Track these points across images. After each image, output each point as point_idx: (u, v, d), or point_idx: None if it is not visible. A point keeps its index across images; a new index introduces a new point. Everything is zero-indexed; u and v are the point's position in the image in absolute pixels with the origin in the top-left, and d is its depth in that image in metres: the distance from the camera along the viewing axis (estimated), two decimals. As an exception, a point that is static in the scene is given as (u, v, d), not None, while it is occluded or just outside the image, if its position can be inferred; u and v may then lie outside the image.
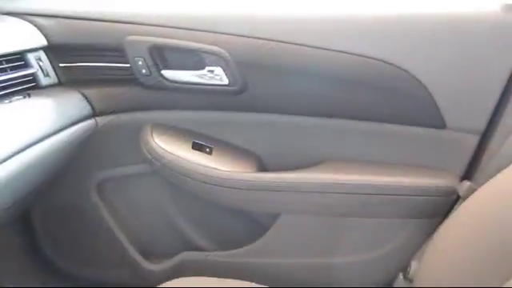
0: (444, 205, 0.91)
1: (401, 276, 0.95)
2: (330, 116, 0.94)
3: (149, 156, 0.97)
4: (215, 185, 0.96)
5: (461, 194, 0.85)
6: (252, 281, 0.84)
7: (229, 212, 1.05)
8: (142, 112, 0.98)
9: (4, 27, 0.86)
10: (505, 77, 0.86)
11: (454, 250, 0.76)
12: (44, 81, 0.91)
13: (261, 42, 0.88)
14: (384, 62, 0.86)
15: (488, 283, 0.62)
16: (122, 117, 0.98)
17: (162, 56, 0.92)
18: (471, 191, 0.78)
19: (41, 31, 0.90)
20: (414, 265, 0.89)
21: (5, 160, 0.71)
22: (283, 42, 0.88)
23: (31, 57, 0.87)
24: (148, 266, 1.08)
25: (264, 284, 0.83)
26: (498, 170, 0.73)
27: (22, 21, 0.89)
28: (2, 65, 0.81)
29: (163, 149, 0.96)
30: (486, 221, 0.72)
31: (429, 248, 0.83)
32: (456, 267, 0.73)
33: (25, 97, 0.84)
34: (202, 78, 0.92)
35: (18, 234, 1.16)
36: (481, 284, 0.63)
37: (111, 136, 1.00)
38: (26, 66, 0.87)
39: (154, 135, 0.97)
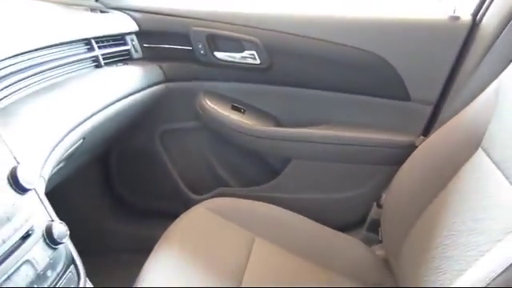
0: (406, 154, 1.24)
1: (375, 205, 1.31)
2: (328, 90, 1.32)
3: (201, 112, 1.36)
4: (245, 134, 1.35)
5: (417, 145, 1.20)
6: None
7: (253, 158, 1.43)
8: (198, 81, 1.38)
9: (111, 17, 1.25)
10: (450, 65, 1.22)
11: (410, 179, 1.12)
12: (135, 55, 1.30)
13: (283, 34, 1.27)
14: (367, 51, 1.24)
15: (423, 196, 0.99)
16: (184, 84, 1.38)
17: (214, 42, 1.32)
18: (424, 143, 1.15)
19: (134, 21, 1.30)
20: (383, 196, 1.25)
21: (106, 107, 1.07)
22: (297, 35, 1.27)
23: (128, 38, 1.27)
24: (194, 197, 1.45)
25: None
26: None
27: (122, 13, 1.29)
28: (110, 42, 1.20)
29: (212, 108, 1.35)
30: (428, 158, 1.08)
31: (393, 182, 1.18)
32: (409, 191, 1.09)
33: (124, 64, 1.23)
34: (242, 58, 1.31)
35: (98, 174, 1.54)
36: (425, 191, 0.99)
37: (174, 98, 1.39)
38: (125, 44, 1.26)
39: (205, 99, 1.37)
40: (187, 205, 1.24)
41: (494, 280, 0.65)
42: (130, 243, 1.22)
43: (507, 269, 0.64)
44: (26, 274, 0.57)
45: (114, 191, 1.55)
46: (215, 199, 1.24)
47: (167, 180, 1.48)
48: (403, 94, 1.27)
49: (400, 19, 1.24)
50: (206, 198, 1.29)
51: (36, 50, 0.90)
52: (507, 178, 0.82)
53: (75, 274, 0.71)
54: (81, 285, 0.71)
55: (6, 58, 0.80)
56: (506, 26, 1.12)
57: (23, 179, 0.65)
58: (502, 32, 1.13)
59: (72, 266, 0.71)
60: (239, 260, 1.06)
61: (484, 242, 0.74)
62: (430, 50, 1.23)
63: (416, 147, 1.18)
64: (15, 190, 0.64)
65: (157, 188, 1.51)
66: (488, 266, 0.68)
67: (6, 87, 0.80)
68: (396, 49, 1.25)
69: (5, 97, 0.79)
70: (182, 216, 1.17)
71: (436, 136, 1.11)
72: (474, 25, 1.21)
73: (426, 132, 1.27)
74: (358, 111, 1.33)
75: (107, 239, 1.45)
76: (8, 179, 0.64)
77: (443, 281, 0.79)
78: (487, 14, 1.19)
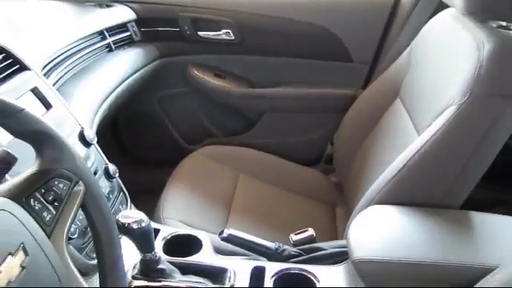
0: (350, 103, 1.48)
1: (329, 144, 1.64)
2: (288, 57, 1.62)
3: (190, 80, 1.66)
4: (226, 95, 1.66)
5: (358, 96, 1.53)
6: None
7: (233, 113, 1.74)
8: (186, 56, 1.66)
9: (115, 9, 1.51)
10: (380, 33, 1.53)
11: (352, 122, 1.44)
12: (135, 38, 1.57)
13: (251, 15, 1.56)
14: (316, 25, 1.54)
15: (361, 134, 1.31)
16: (175, 59, 1.66)
17: (197, 24, 1.60)
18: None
19: (133, 10, 1.56)
20: (335, 136, 1.57)
21: (121, 82, 1.37)
22: (262, 15, 1.56)
23: (129, 25, 1.54)
24: (188, 147, 1.76)
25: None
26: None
27: (123, 5, 1.56)
28: (116, 30, 1.48)
29: (198, 76, 1.65)
30: (364, 105, 1.40)
31: (341, 125, 1.50)
32: (351, 131, 1.41)
33: (128, 47, 1.52)
34: (220, 35, 1.60)
35: (110, 135, 1.82)
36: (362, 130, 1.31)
37: (168, 70, 1.66)
38: (127, 30, 1.53)
39: (193, 69, 1.66)
40: (184, 154, 1.53)
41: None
42: (143, 187, 1.39)
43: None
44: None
45: (124, 148, 1.84)
46: (206, 147, 1.56)
47: (166, 135, 1.78)
48: (346, 57, 1.58)
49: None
50: (198, 147, 1.58)
51: (72, 43, 1.19)
52: (415, 125, 1.08)
53: (124, 198, 1.05)
54: (128, 204, 1.05)
55: (59, 51, 1.10)
56: (418, 2, 1.44)
57: (88, 137, 0.97)
58: (415, 8, 1.44)
59: (121, 193, 1.05)
60: (228, 190, 1.38)
61: (393, 167, 1.00)
62: (364, 22, 1.54)
63: (357, 98, 1.50)
64: (84, 145, 0.97)
65: (158, 142, 1.80)
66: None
67: (58, 73, 1.10)
68: (339, 22, 1.54)
69: (59, 79, 1.10)
70: (183, 161, 1.48)
71: (370, 88, 1.43)
72: (397, 1, 1.51)
73: (365, 86, 1.58)
74: (312, 72, 1.63)
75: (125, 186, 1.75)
76: (79, 138, 0.96)
77: (373, 187, 1.03)
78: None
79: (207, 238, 1.03)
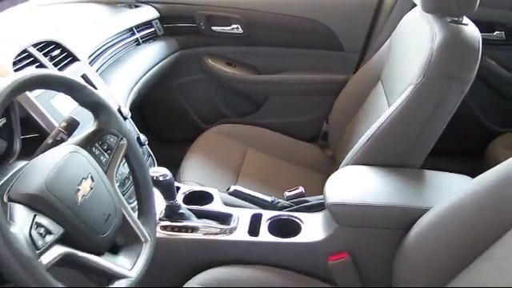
0: (342, 87, 1.68)
1: (325, 122, 1.86)
2: (288, 47, 1.84)
3: (205, 68, 1.90)
4: (237, 80, 1.89)
5: (349, 80, 1.74)
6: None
7: (243, 97, 1.97)
8: (202, 48, 1.89)
9: (141, 9, 1.75)
10: (368, 26, 1.75)
11: (343, 103, 1.65)
12: (159, 33, 1.81)
13: (256, 12, 1.78)
14: (311, 19, 1.75)
15: (349, 112, 1.54)
16: (192, 50, 1.89)
17: (211, 20, 1.83)
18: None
19: (156, 10, 1.80)
20: (330, 116, 1.78)
21: (147, 71, 1.62)
22: (266, 11, 1.78)
23: (153, 22, 1.79)
24: (203, 126, 1.99)
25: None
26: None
27: (148, 5, 1.81)
28: (142, 27, 1.73)
29: (212, 65, 1.89)
30: (353, 88, 1.62)
31: (334, 105, 1.72)
32: (342, 110, 1.62)
33: (153, 41, 1.77)
34: (230, 30, 1.84)
35: (137, 118, 2.04)
36: (350, 109, 1.54)
37: (186, 60, 1.90)
38: (152, 26, 1.78)
39: (208, 59, 1.90)
40: (200, 132, 1.74)
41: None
42: (165, 161, 1.46)
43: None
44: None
45: (148, 128, 2.09)
46: (219, 126, 1.79)
47: (185, 117, 2.01)
48: (339, 47, 1.80)
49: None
50: (212, 127, 1.79)
51: (108, 38, 1.44)
52: (388, 104, 1.27)
53: (152, 161, 1.31)
54: (155, 166, 1.30)
55: (99, 45, 1.36)
56: (397, 1, 1.64)
57: (124, 113, 1.22)
58: (395, 5, 1.65)
59: (150, 157, 1.30)
60: (237, 161, 1.61)
61: (366, 136, 1.23)
62: (354, 16, 1.75)
63: (347, 82, 1.71)
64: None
65: (178, 123, 2.02)
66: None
67: (99, 63, 1.36)
68: (332, 17, 1.75)
69: (99, 68, 1.36)
70: (199, 138, 1.71)
71: (357, 74, 1.64)
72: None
73: (355, 71, 1.77)
74: (310, 60, 1.85)
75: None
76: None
77: (350, 153, 1.23)
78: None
79: (218, 194, 1.28)
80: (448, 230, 0.90)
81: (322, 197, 1.22)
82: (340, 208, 1.06)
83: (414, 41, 1.26)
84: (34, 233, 0.62)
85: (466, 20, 1.18)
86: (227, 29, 1.84)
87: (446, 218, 0.91)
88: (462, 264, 0.84)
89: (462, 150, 1.84)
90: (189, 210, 1.17)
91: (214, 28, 1.85)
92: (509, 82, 1.73)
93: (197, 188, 1.29)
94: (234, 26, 1.83)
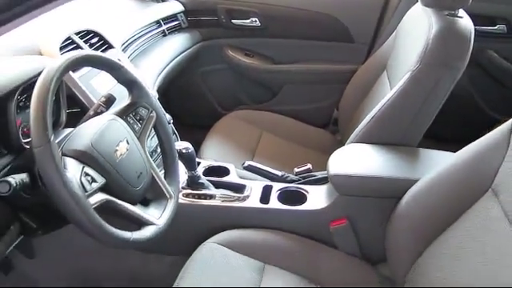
0: (352, 76, 1.84)
1: (336, 109, 1.99)
2: (302, 39, 1.96)
3: (225, 58, 2.03)
4: (254, 70, 2.01)
5: (358, 70, 1.86)
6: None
7: (259, 85, 2.09)
8: (222, 39, 2.03)
9: (168, 4, 1.90)
10: (376, 19, 1.87)
11: (352, 90, 1.77)
12: (183, 26, 1.96)
13: (273, 6, 1.92)
14: (324, 13, 1.87)
15: (359, 97, 1.66)
16: (214, 41, 2.03)
17: (231, 14, 1.97)
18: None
19: (181, 4, 1.96)
20: (340, 103, 1.91)
21: (172, 59, 1.77)
22: (281, 6, 1.91)
23: (178, 15, 1.94)
24: (222, 111, 2.11)
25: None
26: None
27: (174, 0, 1.96)
28: (168, 19, 1.88)
29: (232, 55, 2.03)
30: (362, 76, 1.73)
31: (344, 93, 1.84)
32: (352, 96, 1.75)
33: (178, 32, 1.91)
34: (248, 23, 1.97)
35: (167, 104, 2.21)
36: (360, 94, 1.66)
37: (208, 50, 2.04)
38: (177, 19, 1.93)
39: (228, 49, 2.04)
40: (219, 117, 1.88)
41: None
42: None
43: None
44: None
45: (172, 113, 2.24)
46: (237, 112, 1.93)
47: (206, 103, 2.15)
48: (350, 39, 1.91)
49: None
50: (230, 112, 1.94)
51: (138, 29, 1.60)
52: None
53: (176, 138, 1.46)
54: (178, 138, 1.44)
55: (130, 34, 1.51)
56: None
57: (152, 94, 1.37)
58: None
59: (174, 134, 1.45)
60: (253, 143, 1.75)
61: (368, 117, 1.38)
62: (363, 11, 1.86)
63: (356, 71, 1.81)
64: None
65: (199, 108, 2.16)
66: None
67: (130, 51, 1.51)
68: (344, 11, 1.87)
69: (131, 55, 1.51)
70: (218, 122, 1.86)
71: (366, 64, 1.75)
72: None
73: (364, 62, 1.89)
74: (322, 52, 1.96)
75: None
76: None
77: (354, 132, 1.42)
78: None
79: (234, 168, 1.42)
80: (432, 198, 1.01)
81: (326, 172, 1.36)
82: (341, 179, 1.18)
83: (415, 32, 1.37)
84: (83, 179, 0.77)
85: (461, 13, 1.28)
86: (246, 22, 1.97)
87: (430, 187, 1.02)
88: (441, 228, 0.95)
89: (465, 137, 1.92)
90: (208, 180, 1.32)
91: (233, 21, 1.98)
92: (510, 73, 1.82)
93: (215, 163, 1.43)
94: (253, 19, 1.95)
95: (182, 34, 1.93)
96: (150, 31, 1.70)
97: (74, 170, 0.78)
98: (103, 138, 0.85)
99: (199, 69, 2.10)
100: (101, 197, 0.81)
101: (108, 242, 0.78)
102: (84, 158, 0.81)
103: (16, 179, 0.78)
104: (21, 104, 0.94)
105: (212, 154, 1.61)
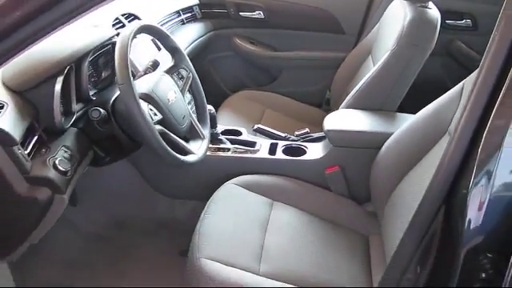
0: (340, 62, 2.12)
1: (328, 91, 2.27)
2: (298, 30, 2.24)
3: (233, 46, 2.31)
4: (257, 56, 2.29)
5: (347, 57, 2.15)
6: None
7: (262, 70, 2.36)
8: (231, 29, 2.30)
9: None
10: (363, 12, 2.15)
11: (342, 75, 2.08)
12: (198, 16, 2.24)
13: (276, 1, 2.20)
14: (320, 8, 2.17)
15: (346, 81, 1.96)
16: (223, 31, 2.30)
17: (239, 7, 2.25)
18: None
19: (196, -3, 2.25)
20: (332, 85, 2.20)
21: (189, 45, 2.05)
22: (283, 1, 2.19)
23: (194, 7, 2.21)
24: (229, 93, 2.32)
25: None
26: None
27: (189, -6, 2.24)
28: (186, 10, 2.16)
29: (239, 43, 2.31)
30: (351, 62, 2.03)
31: (334, 77, 2.14)
32: (341, 80, 2.05)
33: (194, 22, 2.19)
34: (254, 15, 2.26)
35: None
36: (347, 78, 1.96)
37: (218, 39, 2.31)
38: (193, 11, 2.21)
39: (235, 38, 2.31)
40: (226, 97, 2.15)
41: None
42: None
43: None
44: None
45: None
46: (241, 92, 2.19)
47: (215, 85, 2.40)
48: (340, 30, 2.20)
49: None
50: (236, 92, 2.22)
51: (164, 16, 1.87)
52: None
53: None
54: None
55: (159, 19, 1.79)
56: (387, -8, 2.03)
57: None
58: (385, -5, 2.05)
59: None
60: (257, 118, 2.01)
61: (356, 88, 1.69)
62: (353, 6, 2.16)
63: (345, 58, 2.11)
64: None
65: (209, 90, 2.36)
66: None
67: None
68: (336, 5, 2.15)
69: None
70: (226, 100, 2.11)
71: (353, 51, 2.03)
72: (374, -8, 2.12)
73: (352, 49, 2.17)
74: (317, 41, 2.23)
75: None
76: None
77: (344, 102, 1.73)
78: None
79: (245, 131, 1.70)
80: (401, 145, 1.25)
81: (322, 133, 1.64)
82: (334, 133, 1.47)
83: (394, 21, 1.66)
84: (150, 112, 1.06)
85: (431, 5, 1.57)
86: (252, 14, 2.24)
87: (400, 137, 1.27)
88: (409, 168, 1.18)
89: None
90: (225, 138, 1.60)
91: (241, 13, 2.25)
92: (475, 60, 2.12)
93: (230, 127, 1.71)
94: (258, 12, 2.23)
95: (197, 23, 2.20)
96: (172, 19, 1.97)
97: (143, 106, 1.06)
98: (159, 87, 1.13)
99: (210, 55, 2.34)
100: (159, 127, 1.09)
101: (167, 159, 1.06)
102: (148, 98, 1.09)
103: (101, 111, 1.06)
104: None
105: (224, 124, 1.87)
